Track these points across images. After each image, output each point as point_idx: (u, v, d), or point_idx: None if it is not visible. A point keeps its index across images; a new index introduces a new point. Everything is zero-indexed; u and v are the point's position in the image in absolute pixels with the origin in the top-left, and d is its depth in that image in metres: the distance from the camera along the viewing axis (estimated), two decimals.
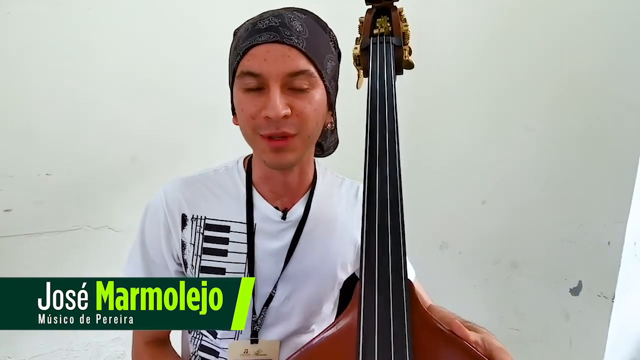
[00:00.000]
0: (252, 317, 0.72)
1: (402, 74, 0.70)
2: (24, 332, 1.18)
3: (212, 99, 1.36)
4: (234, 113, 0.72)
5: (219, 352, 0.76)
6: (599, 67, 1.25)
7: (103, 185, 1.25)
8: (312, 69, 0.64)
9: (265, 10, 0.67)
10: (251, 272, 0.72)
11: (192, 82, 1.36)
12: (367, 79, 0.67)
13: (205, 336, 0.77)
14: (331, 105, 0.71)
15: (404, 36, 0.67)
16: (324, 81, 0.66)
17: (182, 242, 0.73)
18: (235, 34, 0.71)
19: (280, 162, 0.66)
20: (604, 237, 1.24)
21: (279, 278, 0.72)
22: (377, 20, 0.70)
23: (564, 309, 1.34)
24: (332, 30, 0.72)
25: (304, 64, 0.63)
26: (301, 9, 0.69)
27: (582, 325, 1.31)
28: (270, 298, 0.73)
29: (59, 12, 1.14)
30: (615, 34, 1.21)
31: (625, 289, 1.25)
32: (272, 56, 0.61)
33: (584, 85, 1.28)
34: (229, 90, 0.71)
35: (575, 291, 1.32)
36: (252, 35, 0.63)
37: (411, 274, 0.84)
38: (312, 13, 0.70)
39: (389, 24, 0.68)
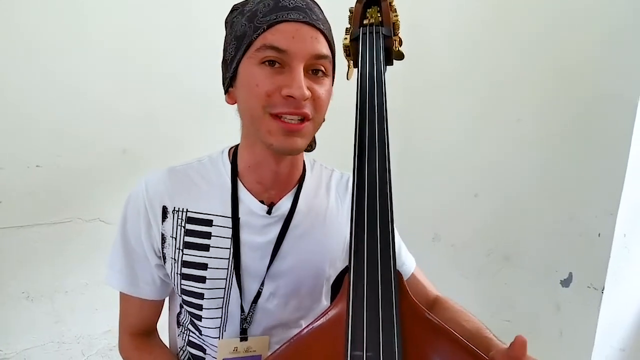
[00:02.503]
0: (241, 315, 0.71)
1: (392, 64, 0.70)
2: (16, 325, 1.18)
3: (205, 90, 1.35)
4: (226, 91, 0.69)
5: (205, 349, 0.75)
6: (589, 60, 1.25)
7: (94, 177, 1.24)
8: (331, 57, 0.65)
9: None
10: (237, 267, 0.70)
11: (186, 72, 1.34)
12: (357, 69, 0.67)
13: (192, 332, 0.76)
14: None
15: (394, 26, 0.67)
16: (333, 72, 0.68)
17: (162, 235, 0.71)
18: (235, 8, 0.69)
19: (290, 147, 0.63)
20: (595, 229, 1.25)
21: (265, 274, 0.71)
22: (368, 10, 0.70)
23: (554, 300, 1.36)
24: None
25: (326, 49, 0.64)
26: None
27: (573, 316, 1.32)
28: (258, 295, 0.72)
29: (48, 3, 1.12)
30: (605, 28, 1.22)
31: (615, 280, 1.26)
32: (302, 35, 0.61)
33: (574, 78, 1.29)
34: (224, 66, 0.69)
35: (566, 283, 1.33)
36: (278, 11, 0.61)
37: (411, 263, 0.84)
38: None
39: (379, 14, 0.68)
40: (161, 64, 1.31)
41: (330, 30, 0.67)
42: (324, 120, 0.74)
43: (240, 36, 0.64)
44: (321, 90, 0.64)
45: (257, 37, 0.62)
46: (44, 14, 1.12)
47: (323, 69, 0.64)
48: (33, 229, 1.17)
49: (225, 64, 0.69)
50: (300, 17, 0.61)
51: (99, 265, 1.25)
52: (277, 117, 0.62)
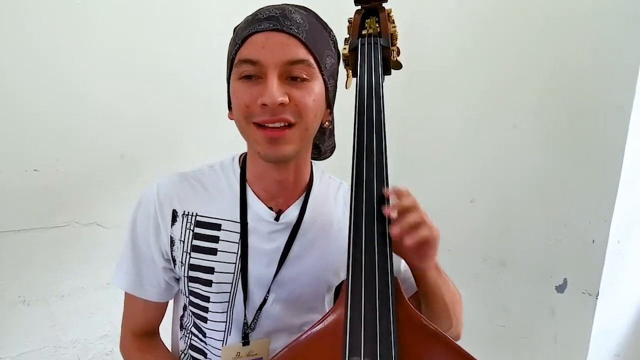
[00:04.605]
0: (244, 320, 0.72)
1: (390, 74, 0.71)
2: (12, 329, 1.17)
3: (205, 93, 1.36)
4: (229, 108, 0.71)
5: (207, 353, 0.76)
6: (585, 68, 1.27)
7: (92, 181, 1.24)
8: (311, 60, 0.63)
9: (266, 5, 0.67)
10: (244, 272, 0.71)
11: (186, 75, 1.34)
12: (355, 79, 0.68)
13: (195, 335, 0.77)
14: (329, 103, 0.71)
15: (392, 37, 0.69)
16: (322, 74, 0.65)
17: (171, 238, 0.72)
18: (234, 30, 0.70)
19: (275, 154, 0.64)
20: (589, 236, 1.26)
21: (272, 282, 0.72)
22: (366, 21, 0.71)
23: (549, 305, 1.37)
24: (332, 31, 0.71)
25: (303, 53, 0.62)
26: (303, 6, 0.69)
27: (567, 321, 1.33)
28: (264, 302, 0.72)
29: (46, 4, 1.13)
30: (601, 35, 1.23)
31: (609, 286, 1.27)
32: (271, 43, 0.61)
33: (570, 85, 1.30)
34: (226, 85, 0.70)
35: (561, 288, 1.34)
36: (251, 25, 0.63)
37: None
38: (313, 12, 0.70)
39: (377, 25, 0.69)
40: (160, 67, 1.31)
41: (317, 32, 0.66)
42: (330, 129, 0.75)
43: (229, 55, 0.68)
44: (302, 94, 0.63)
45: (235, 53, 0.64)
46: (43, 20, 1.13)
47: (304, 74, 0.63)
48: (30, 233, 1.17)
49: (227, 84, 0.71)
50: (271, 25, 0.62)
51: (96, 270, 1.26)
52: (260, 125, 0.63)
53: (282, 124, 0.63)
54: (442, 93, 1.67)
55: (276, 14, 0.63)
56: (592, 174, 1.26)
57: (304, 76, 0.63)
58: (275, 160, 0.66)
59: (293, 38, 0.62)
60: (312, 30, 0.65)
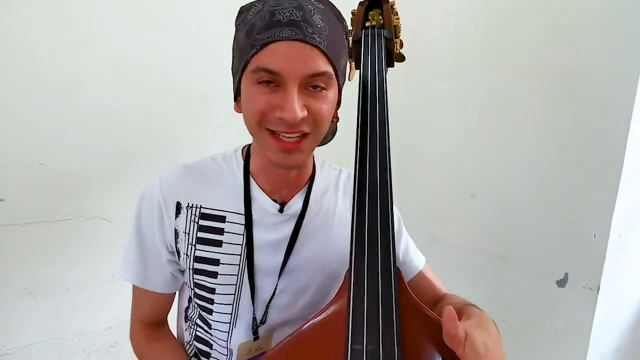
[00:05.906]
0: (253, 316, 0.73)
1: (393, 66, 0.72)
2: (18, 322, 1.19)
3: (205, 91, 1.37)
4: (236, 99, 0.69)
5: (212, 344, 0.77)
6: (586, 64, 1.27)
7: (96, 175, 1.25)
8: (331, 70, 0.62)
9: None
10: (249, 264, 0.72)
11: (186, 73, 1.36)
12: (358, 71, 0.69)
13: (200, 326, 0.77)
14: (339, 101, 0.71)
15: (396, 29, 0.69)
16: (338, 80, 0.65)
17: (176, 230, 0.72)
18: (241, 12, 0.67)
19: (288, 163, 0.65)
20: (590, 230, 1.27)
21: (280, 272, 0.72)
22: (369, 13, 0.71)
23: (550, 300, 1.37)
24: (344, 20, 0.69)
25: (324, 64, 0.61)
26: None
27: (568, 316, 1.33)
28: (272, 295, 0.73)
29: (52, 1, 1.13)
30: (603, 34, 1.23)
31: (610, 280, 1.27)
32: (293, 55, 0.58)
33: (571, 81, 1.30)
34: (231, 74, 0.69)
35: (562, 283, 1.34)
36: (271, 28, 0.59)
37: (420, 261, 0.84)
38: (327, 1, 0.67)
39: (380, 17, 0.70)
40: (161, 65, 1.32)
41: (335, 34, 0.63)
42: (336, 119, 0.74)
43: (241, 50, 0.64)
44: (319, 104, 0.62)
45: (251, 57, 0.60)
46: (48, 16, 1.13)
47: (322, 85, 0.62)
48: (36, 226, 1.18)
49: (232, 72, 0.69)
50: (293, 34, 0.58)
51: (101, 262, 1.28)
52: (274, 133, 0.62)
53: (297, 135, 0.62)
54: (444, 88, 1.67)
55: (297, 17, 0.59)
56: (593, 168, 1.26)
57: (323, 86, 0.62)
58: (288, 168, 0.67)
59: (315, 49, 0.59)
60: (332, 34, 0.62)
